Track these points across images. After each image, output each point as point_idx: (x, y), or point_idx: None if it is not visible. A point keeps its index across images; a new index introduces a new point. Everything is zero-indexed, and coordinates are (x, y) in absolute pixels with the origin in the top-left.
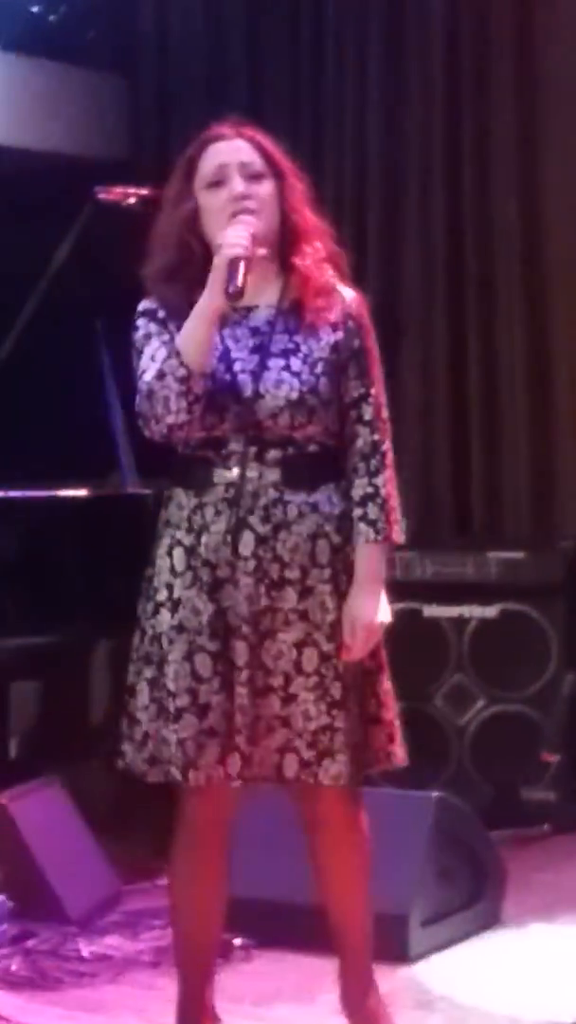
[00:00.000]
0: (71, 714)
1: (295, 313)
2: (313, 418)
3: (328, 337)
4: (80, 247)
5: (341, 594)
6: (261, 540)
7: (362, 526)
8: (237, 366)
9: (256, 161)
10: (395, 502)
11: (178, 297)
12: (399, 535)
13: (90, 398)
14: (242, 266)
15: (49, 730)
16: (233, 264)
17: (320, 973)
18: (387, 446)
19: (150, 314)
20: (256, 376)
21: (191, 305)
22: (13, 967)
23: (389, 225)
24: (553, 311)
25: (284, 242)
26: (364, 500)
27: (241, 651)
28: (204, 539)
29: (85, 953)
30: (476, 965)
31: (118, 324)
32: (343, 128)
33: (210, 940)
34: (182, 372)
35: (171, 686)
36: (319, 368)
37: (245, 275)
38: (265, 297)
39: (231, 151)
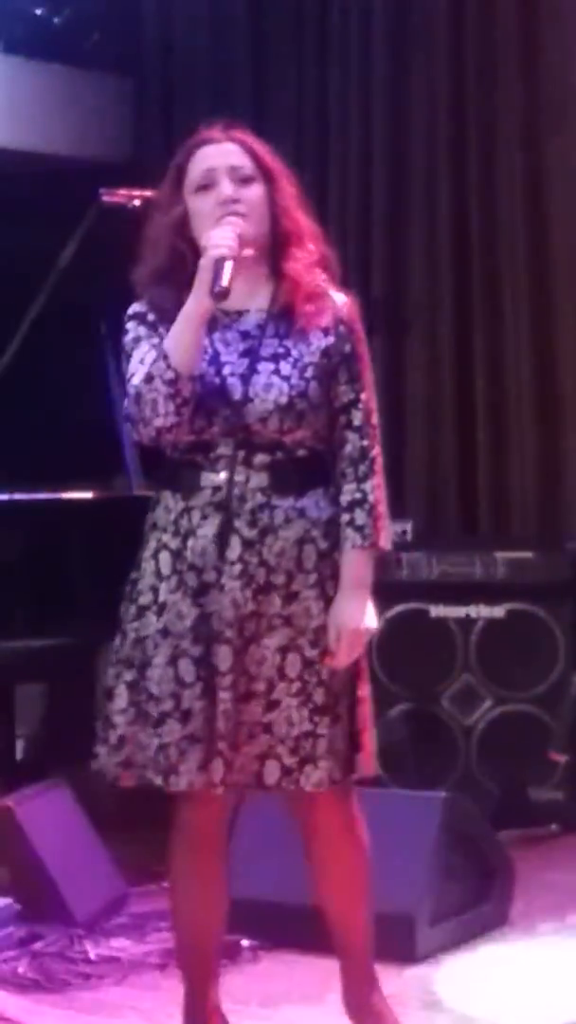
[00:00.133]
0: (77, 716)
1: (286, 317)
2: (302, 423)
3: (319, 342)
4: (85, 249)
5: (327, 599)
6: (247, 545)
7: (349, 532)
8: (227, 370)
9: (246, 164)
10: (383, 508)
11: (168, 300)
12: (386, 541)
13: (95, 400)
14: (227, 266)
15: (55, 732)
16: (218, 264)
17: (328, 974)
18: (376, 452)
19: (140, 317)
20: (246, 380)
21: (179, 307)
22: (20, 969)
23: (394, 225)
24: (559, 310)
25: (275, 245)
26: (352, 506)
27: (225, 656)
28: (190, 543)
29: (92, 955)
30: (484, 965)
31: (123, 326)
32: (348, 129)
33: (212, 942)
34: (170, 375)
35: (154, 690)
36: (309, 373)
37: (231, 276)
38: (256, 301)
39: (220, 155)
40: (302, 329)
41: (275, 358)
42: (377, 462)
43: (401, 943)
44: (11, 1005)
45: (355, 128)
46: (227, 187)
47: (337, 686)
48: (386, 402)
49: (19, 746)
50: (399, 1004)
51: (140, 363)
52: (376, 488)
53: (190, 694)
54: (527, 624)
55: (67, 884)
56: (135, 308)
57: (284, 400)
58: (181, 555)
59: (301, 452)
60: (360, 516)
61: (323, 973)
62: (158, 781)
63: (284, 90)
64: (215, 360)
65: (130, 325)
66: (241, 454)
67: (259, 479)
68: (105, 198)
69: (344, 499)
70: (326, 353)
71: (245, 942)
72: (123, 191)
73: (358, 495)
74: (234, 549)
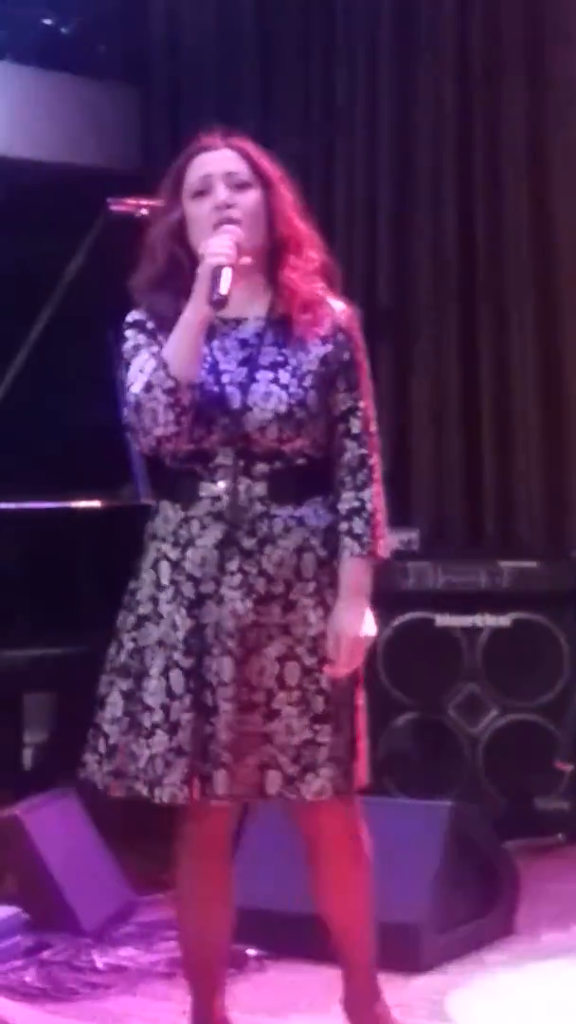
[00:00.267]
0: (85, 725)
1: (284, 325)
2: (301, 431)
3: (317, 350)
4: (93, 258)
5: (326, 608)
6: (247, 554)
7: (347, 540)
8: (225, 378)
9: (242, 171)
10: (382, 516)
11: (166, 308)
12: (385, 550)
13: (103, 409)
14: (225, 274)
15: (63, 741)
16: (216, 272)
17: (334, 983)
18: (375, 460)
19: (139, 325)
20: (244, 388)
21: (179, 315)
22: (27, 978)
23: (400, 233)
24: (565, 318)
25: (272, 253)
26: (350, 514)
27: (227, 667)
28: (189, 553)
29: (99, 964)
30: (489, 975)
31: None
32: (354, 136)
33: (218, 952)
34: (169, 383)
35: (149, 701)
36: (308, 381)
37: (230, 284)
38: (254, 309)
39: (217, 161)
40: (300, 337)
41: (274, 367)
42: (376, 470)
43: (407, 952)
44: (19, 1014)
45: (361, 135)
46: (222, 192)
47: (337, 694)
48: (392, 410)
49: (27, 755)
50: (405, 1014)
51: (139, 372)
52: (375, 496)
53: (179, 706)
54: (533, 633)
55: (74, 893)
56: (134, 316)
57: (283, 409)
58: (180, 565)
59: (300, 461)
60: (358, 524)
61: (329, 982)
62: (145, 792)
63: (291, 98)
64: (214, 369)
65: (129, 333)
66: (240, 463)
67: (258, 488)
68: (113, 207)
69: (343, 507)
70: (324, 361)
71: (251, 951)
72: (131, 200)
73: (356, 503)
74: (233, 559)
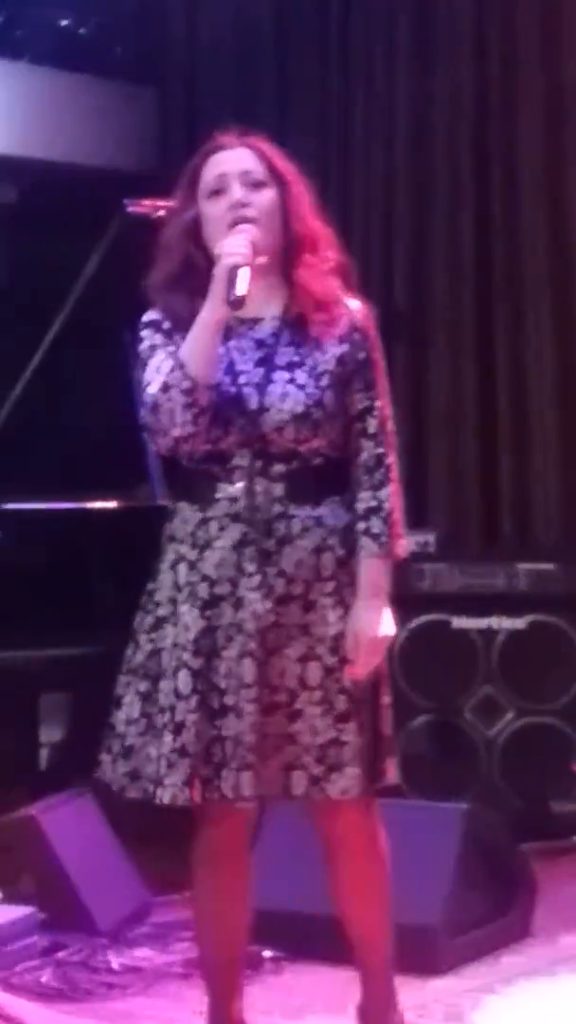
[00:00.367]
0: (101, 726)
1: (300, 325)
2: (318, 431)
3: (334, 350)
4: (109, 259)
5: (345, 607)
6: (265, 555)
7: (365, 540)
8: (242, 379)
9: (258, 169)
10: (399, 516)
11: (182, 307)
12: (402, 549)
13: (119, 409)
14: (242, 274)
15: (79, 741)
16: (233, 273)
17: (350, 984)
18: (392, 459)
19: (155, 325)
20: (261, 389)
21: (195, 315)
22: (43, 978)
23: (417, 235)
24: None
25: (288, 252)
26: (368, 513)
27: (248, 669)
28: (207, 554)
29: (115, 965)
30: (506, 977)
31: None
32: (371, 140)
33: (234, 954)
34: (187, 384)
35: (163, 701)
36: (324, 381)
37: (247, 284)
38: (270, 309)
39: (232, 160)
40: (317, 337)
41: (290, 367)
42: (393, 469)
43: (423, 955)
44: (34, 1014)
45: (378, 136)
46: (237, 191)
47: (359, 693)
48: (408, 413)
49: (43, 755)
50: (421, 1016)
51: (156, 372)
52: (392, 496)
53: (184, 706)
54: (549, 635)
55: (90, 893)
56: (150, 316)
57: (300, 409)
58: (197, 566)
59: (317, 461)
60: (376, 524)
61: (346, 983)
62: (149, 791)
63: (307, 99)
64: (230, 369)
65: (145, 333)
66: (258, 464)
67: (276, 489)
68: (130, 208)
69: (360, 507)
70: (341, 361)
71: (267, 953)
72: (148, 201)
73: (373, 503)
74: (252, 560)
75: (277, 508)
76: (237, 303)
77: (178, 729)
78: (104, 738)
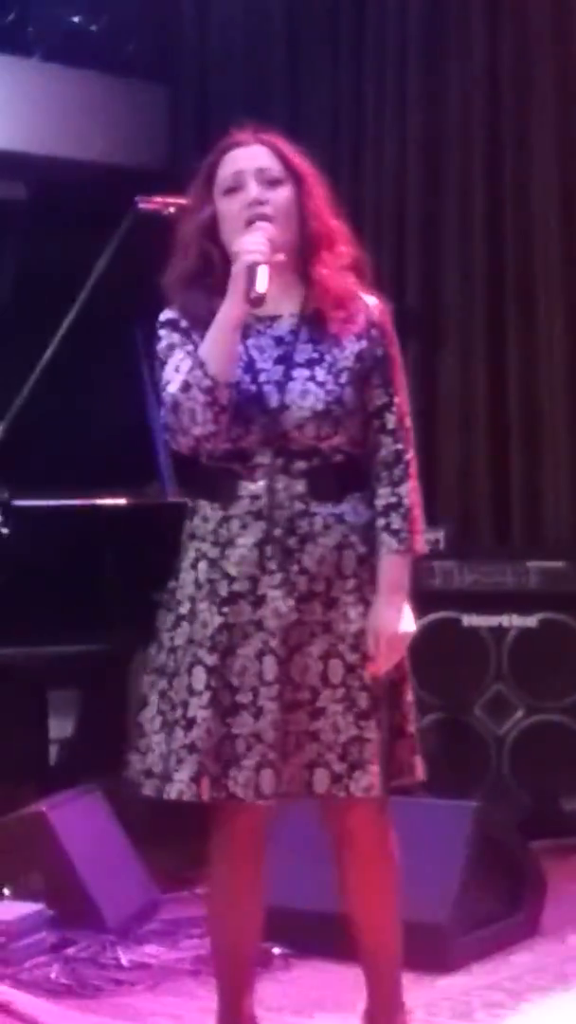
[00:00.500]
0: (110, 723)
1: (318, 322)
2: (339, 428)
3: (352, 346)
4: (120, 256)
5: (366, 604)
6: (288, 553)
7: (385, 536)
8: (262, 377)
9: (274, 167)
10: (419, 512)
11: (199, 305)
12: (422, 545)
13: (130, 407)
14: (261, 272)
15: (88, 739)
16: (252, 270)
17: (360, 982)
18: (411, 455)
19: (172, 324)
20: (281, 387)
21: (212, 313)
22: (52, 975)
23: (428, 234)
24: None
25: (304, 249)
26: (387, 510)
27: (270, 666)
28: (229, 552)
29: (124, 961)
30: (515, 975)
31: (158, 333)
32: (383, 137)
33: (248, 951)
34: (207, 383)
35: (175, 698)
36: (344, 378)
37: (266, 281)
38: (287, 306)
39: (248, 157)
40: (336, 334)
41: (310, 364)
42: (412, 465)
43: (433, 953)
44: (43, 1010)
45: (390, 138)
46: (254, 189)
47: (380, 691)
48: (419, 411)
49: (52, 752)
50: (430, 1014)
51: (175, 371)
52: (411, 492)
53: (196, 702)
54: (559, 633)
55: (99, 890)
56: (167, 315)
57: (321, 406)
58: (218, 564)
59: (338, 457)
60: (396, 520)
61: (355, 981)
62: (157, 786)
63: (319, 98)
64: (250, 367)
65: (163, 332)
66: (279, 462)
67: (297, 486)
68: (141, 205)
69: (379, 503)
70: (360, 357)
71: (277, 950)
72: (159, 198)
73: (393, 499)
74: (274, 558)
75: (299, 505)
76: (258, 300)
77: (189, 725)
78: (132, 737)
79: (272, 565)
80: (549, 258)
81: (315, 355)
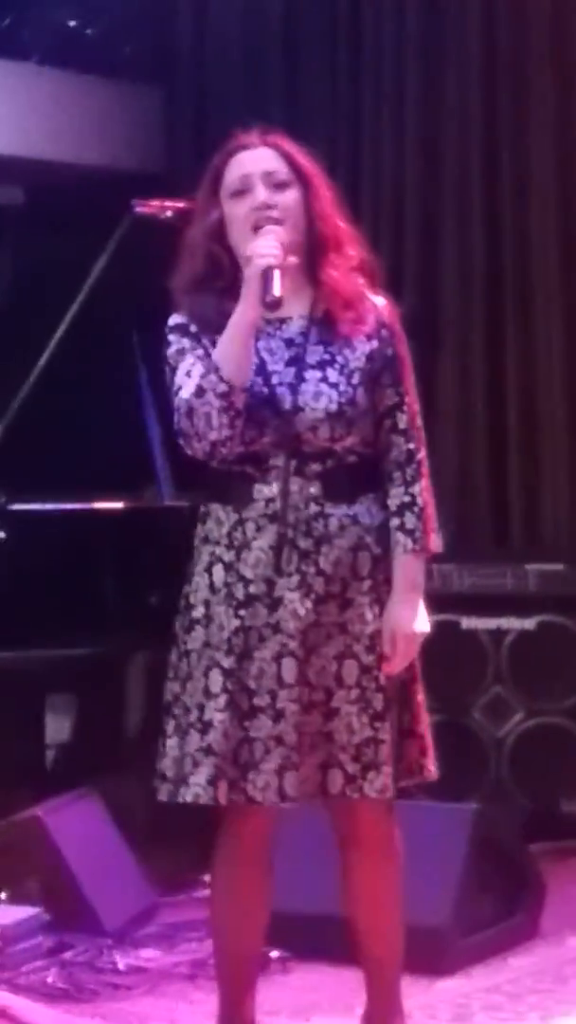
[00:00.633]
0: (107, 726)
1: (328, 323)
2: (352, 429)
3: (363, 347)
4: (117, 260)
5: (381, 605)
6: (304, 555)
7: (399, 536)
8: (274, 379)
9: (281, 169)
10: (432, 511)
11: (209, 309)
12: (437, 544)
13: (127, 411)
14: (276, 275)
15: (85, 742)
16: (267, 274)
17: (357, 985)
18: (422, 455)
19: (181, 329)
20: (294, 389)
21: (221, 316)
22: (49, 979)
23: (427, 236)
24: None
25: (312, 251)
26: (401, 509)
27: (289, 668)
28: (244, 555)
29: (121, 965)
30: (514, 978)
31: (155, 337)
32: (381, 142)
33: (250, 954)
34: (223, 387)
35: (188, 702)
36: (356, 379)
37: (280, 284)
38: (297, 308)
39: (255, 160)
40: (346, 335)
41: (321, 365)
42: (424, 464)
43: (431, 955)
44: (40, 1014)
45: (387, 141)
46: (262, 193)
47: (392, 691)
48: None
49: (49, 756)
50: (429, 1017)
51: (187, 376)
52: (424, 491)
53: (213, 705)
54: (558, 636)
55: (96, 894)
56: (176, 319)
57: (334, 408)
58: (234, 567)
59: (351, 459)
60: (410, 520)
61: (353, 984)
62: (171, 790)
63: (317, 101)
64: (262, 369)
65: (172, 337)
66: (293, 464)
67: (312, 488)
68: (138, 208)
69: (393, 503)
70: (371, 358)
71: (274, 953)
72: (156, 201)
73: (407, 499)
74: (291, 560)
75: (314, 507)
76: (274, 304)
77: (205, 728)
78: (158, 745)
79: (289, 567)
80: (547, 258)
81: (326, 356)
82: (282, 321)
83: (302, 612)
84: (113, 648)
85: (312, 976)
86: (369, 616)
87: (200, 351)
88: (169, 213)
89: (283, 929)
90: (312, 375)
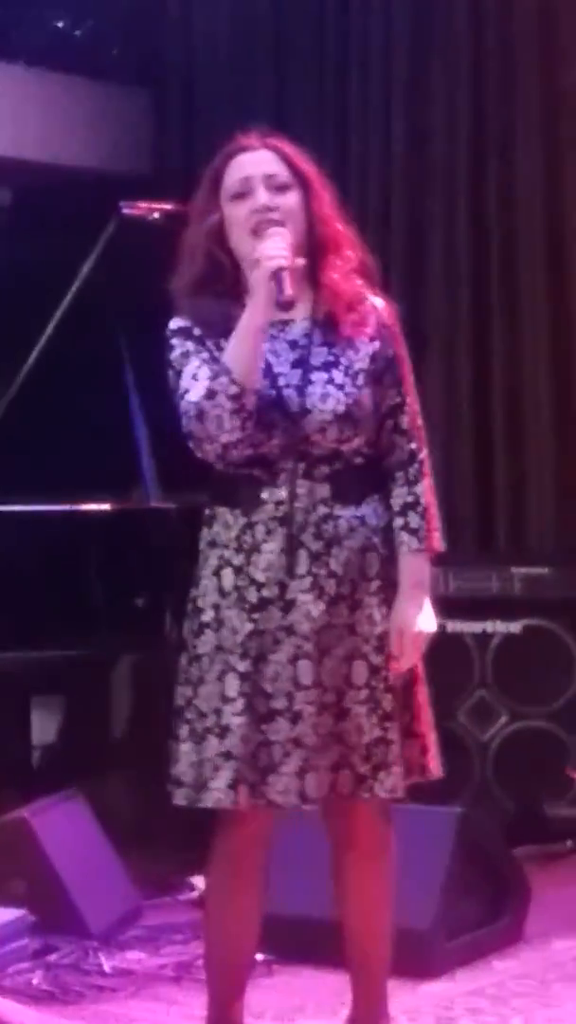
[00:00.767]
0: (93, 728)
1: (330, 325)
2: (358, 430)
3: (366, 348)
4: (105, 262)
5: (389, 606)
6: (315, 557)
7: (404, 535)
8: (281, 381)
9: (281, 172)
10: (435, 510)
11: (212, 311)
12: (441, 543)
13: (114, 412)
14: (286, 276)
15: (71, 744)
16: (278, 275)
17: (342, 989)
18: (424, 454)
19: (185, 332)
20: (301, 391)
21: (224, 318)
22: (35, 981)
23: (413, 240)
24: None
25: (313, 253)
26: (405, 509)
27: (305, 670)
28: (254, 559)
29: (106, 968)
30: (498, 981)
31: (142, 338)
32: (368, 143)
33: (243, 958)
34: (234, 389)
35: (202, 707)
36: (360, 380)
37: (291, 284)
38: (299, 310)
39: (255, 162)
40: (349, 336)
41: (326, 367)
42: (426, 464)
43: (416, 958)
44: (25, 1017)
45: (374, 141)
46: (262, 196)
47: (401, 692)
48: None
49: (35, 757)
50: (413, 1020)
51: (194, 379)
52: (427, 490)
53: (230, 709)
54: (543, 640)
55: (82, 896)
56: (179, 323)
57: (341, 409)
58: (244, 571)
59: (358, 460)
60: (414, 519)
61: (337, 986)
62: (192, 796)
63: (304, 103)
64: (268, 372)
65: (175, 341)
66: (301, 466)
67: (321, 490)
68: (126, 210)
69: (396, 503)
70: (374, 358)
71: (259, 956)
72: (144, 203)
73: (410, 498)
74: (302, 563)
75: (323, 509)
76: (288, 304)
77: (223, 732)
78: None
79: (300, 569)
80: (533, 260)
81: (331, 358)
82: (285, 323)
83: (315, 614)
84: (99, 650)
85: (297, 979)
86: (377, 617)
87: (205, 354)
88: (157, 215)
89: (268, 932)
90: (318, 376)
